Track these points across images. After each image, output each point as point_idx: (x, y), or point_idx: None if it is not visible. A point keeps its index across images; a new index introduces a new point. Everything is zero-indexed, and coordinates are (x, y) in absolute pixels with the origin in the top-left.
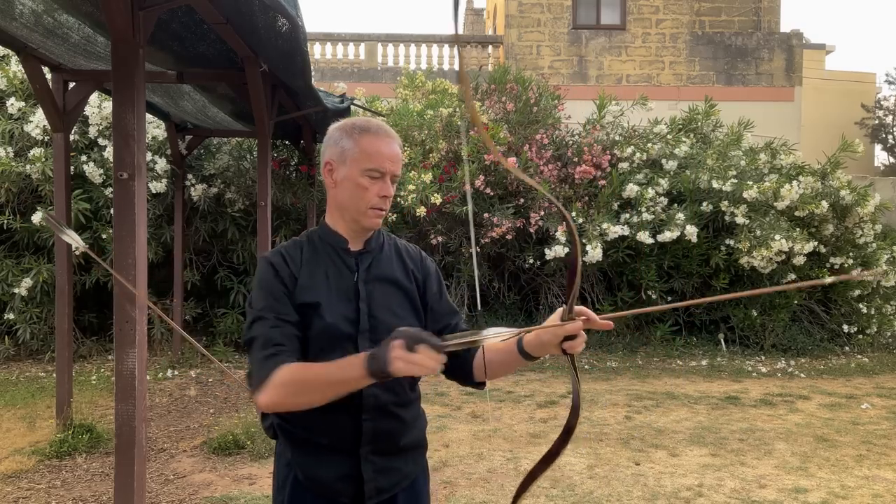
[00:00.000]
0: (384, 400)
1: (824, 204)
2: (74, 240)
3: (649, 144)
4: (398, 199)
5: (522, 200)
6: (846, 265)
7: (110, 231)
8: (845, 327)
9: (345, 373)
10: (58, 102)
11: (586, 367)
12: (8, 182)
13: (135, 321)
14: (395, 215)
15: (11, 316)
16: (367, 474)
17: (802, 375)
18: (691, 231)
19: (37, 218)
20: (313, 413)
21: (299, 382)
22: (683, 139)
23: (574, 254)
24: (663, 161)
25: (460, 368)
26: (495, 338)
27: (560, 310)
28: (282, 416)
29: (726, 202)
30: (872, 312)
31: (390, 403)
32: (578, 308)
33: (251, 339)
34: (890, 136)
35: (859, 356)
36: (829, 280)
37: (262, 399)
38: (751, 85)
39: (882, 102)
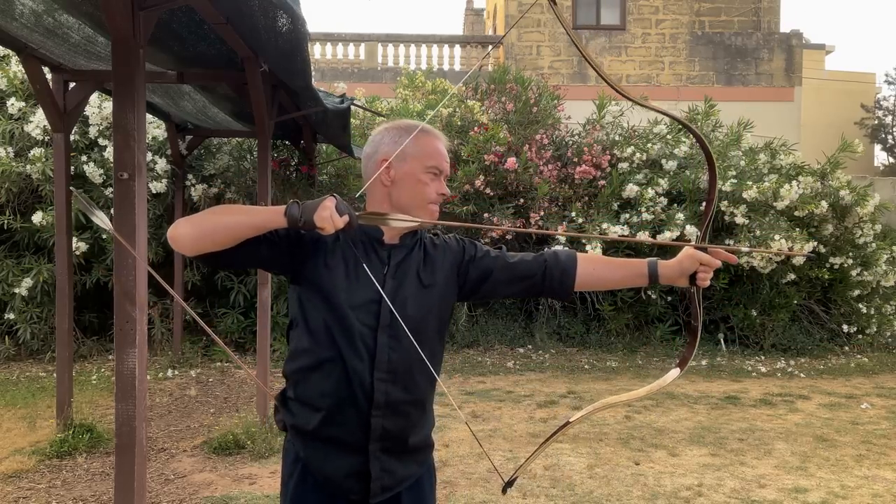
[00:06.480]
0: (396, 397)
1: (824, 204)
2: (104, 221)
3: (649, 144)
4: None
5: (522, 200)
6: (846, 265)
7: None
8: (845, 327)
9: (261, 213)
10: (58, 102)
11: (586, 366)
12: (8, 182)
13: (135, 321)
14: None
15: (12, 316)
16: (374, 472)
17: (802, 375)
18: (691, 231)
19: (37, 218)
20: (323, 406)
21: (219, 212)
22: (683, 139)
23: (711, 180)
24: (663, 161)
25: (560, 279)
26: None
27: (690, 245)
28: (292, 411)
29: (726, 202)
30: (872, 312)
31: (401, 401)
32: (714, 247)
33: None
34: (890, 137)
35: (859, 356)
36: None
37: (174, 228)
38: (751, 85)
39: (882, 102)
